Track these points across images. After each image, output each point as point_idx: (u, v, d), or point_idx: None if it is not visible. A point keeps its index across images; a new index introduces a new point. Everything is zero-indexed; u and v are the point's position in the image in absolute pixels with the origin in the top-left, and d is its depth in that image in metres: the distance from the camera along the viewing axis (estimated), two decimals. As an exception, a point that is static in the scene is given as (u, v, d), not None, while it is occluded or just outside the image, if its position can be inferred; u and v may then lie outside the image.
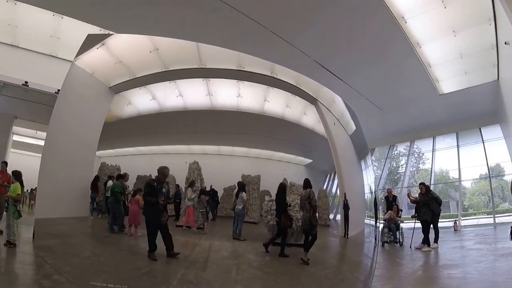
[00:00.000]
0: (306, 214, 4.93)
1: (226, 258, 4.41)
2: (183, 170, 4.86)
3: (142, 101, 5.12)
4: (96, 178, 4.88)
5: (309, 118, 5.45)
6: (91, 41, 4.98)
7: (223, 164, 5.23)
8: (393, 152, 26.56)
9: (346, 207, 5.47)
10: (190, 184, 4.82)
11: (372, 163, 6.96)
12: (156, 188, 4.36)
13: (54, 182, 4.56)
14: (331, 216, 5.67)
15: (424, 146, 24.41)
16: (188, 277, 3.88)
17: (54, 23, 13.26)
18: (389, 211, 13.13)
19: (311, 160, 5.57)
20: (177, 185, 4.92)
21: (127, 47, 5.17)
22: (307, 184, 5.08)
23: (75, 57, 4.81)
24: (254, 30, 9.93)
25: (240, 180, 5.01)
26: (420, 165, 26.00)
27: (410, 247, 11.95)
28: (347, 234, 5.53)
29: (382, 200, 15.05)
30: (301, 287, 4.50)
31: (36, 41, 14.16)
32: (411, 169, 25.83)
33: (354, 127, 6.49)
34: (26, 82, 13.82)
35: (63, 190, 4.60)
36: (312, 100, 5.47)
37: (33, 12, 12.33)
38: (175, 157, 5.10)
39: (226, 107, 5.12)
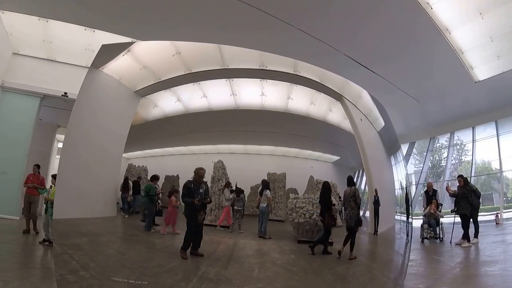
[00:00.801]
0: (351, 211, 4.97)
1: (250, 257, 4.40)
2: (210, 170, 4.90)
3: (167, 103, 5.20)
4: (126, 180, 5.04)
5: (334, 114, 5.36)
6: (107, 51, 5.12)
7: (249, 163, 5.23)
8: (435, 145, 25.32)
9: (376, 203, 5.34)
10: (226, 184, 4.91)
11: (403, 158, 6.74)
12: (193, 189, 4.45)
13: (82, 183, 4.70)
14: (361, 213, 5.54)
15: (464, 136, 23.11)
16: (209, 275, 3.90)
17: (87, 37, 13.95)
18: (429, 206, 12.68)
19: (338, 157, 5.48)
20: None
21: (151, 53, 5.30)
22: (351, 181, 5.12)
23: (90, 66, 4.95)
24: (277, 27, 9.84)
25: (265, 177, 5.00)
26: (463, 157, 24.69)
27: (450, 242, 11.50)
28: (377, 231, 5.40)
29: (422, 195, 14.59)
30: (325, 286, 4.41)
31: (72, 54, 14.90)
32: (454, 162, 24.65)
33: (383, 123, 6.32)
34: (66, 93, 14.71)
35: (91, 191, 4.74)
36: (337, 96, 5.38)
37: (65, 27, 12.95)
38: (202, 157, 5.16)
39: (250, 106, 5.12)
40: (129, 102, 5.11)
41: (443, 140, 24.23)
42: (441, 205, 13.02)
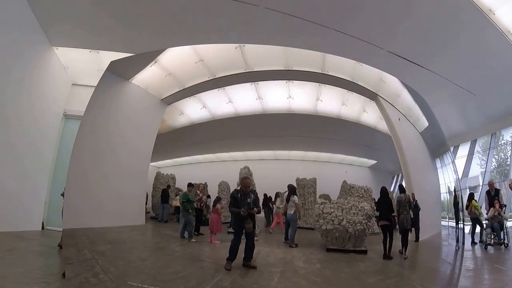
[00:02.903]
0: (406, 215, 4.78)
1: (271, 265, 4.15)
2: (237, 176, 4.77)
3: (193, 110, 5.14)
4: (166, 188, 5.08)
5: (369, 115, 5.02)
6: (115, 66, 5.10)
7: (278, 169, 5.04)
8: (500, 141, 22.87)
9: (415, 208, 4.96)
10: (277, 194, 4.82)
11: (452, 161, 6.18)
12: (239, 199, 4.27)
13: (110, 193, 4.74)
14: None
15: None
16: (224, 283, 3.74)
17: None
18: (491, 208, 11.50)
19: (375, 161, 5.14)
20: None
21: (175, 61, 5.22)
22: (402, 189, 4.95)
23: (98, 82, 4.94)
24: (312, 31, 9.49)
25: (294, 183, 4.77)
26: None
27: None
28: (418, 237, 4.99)
29: (482, 196, 13.38)
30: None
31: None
32: None
33: (426, 123, 5.81)
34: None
35: (119, 200, 4.76)
36: (372, 95, 5.02)
37: (114, 56, 13.43)
38: (230, 164, 5.03)
39: (277, 110, 4.93)
40: (155, 111, 5.09)
41: (507, 135, 21.97)
42: (505, 206, 11.81)
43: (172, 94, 5.05)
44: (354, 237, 4.60)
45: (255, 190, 4.38)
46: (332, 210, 4.61)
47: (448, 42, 11.73)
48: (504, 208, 11.44)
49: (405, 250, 4.73)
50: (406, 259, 4.83)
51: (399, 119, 5.16)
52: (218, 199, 4.80)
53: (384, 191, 4.82)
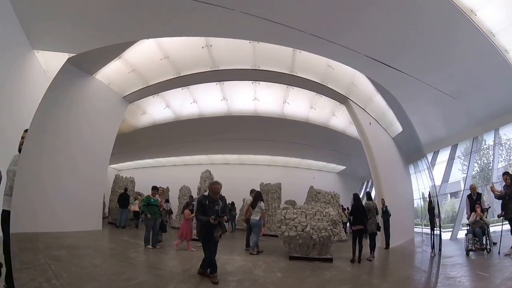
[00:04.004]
0: (374, 220, 4.75)
1: (229, 273, 3.88)
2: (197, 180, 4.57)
3: (156, 109, 4.90)
4: (124, 192, 4.85)
5: (339, 119, 4.85)
6: (72, 63, 4.78)
7: (244, 174, 4.83)
8: (483, 146, 22.86)
9: (385, 214, 4.84)
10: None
11: (428, 167, 6.05)
12: (207, 206, 3.87)
13: (66, 196, 4.45)
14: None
15: (510, 132, 20.78)
16: None
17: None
18: (473, 213, 11.34)
19: (344, 167, 4.96)
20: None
21: (140, 57, 4.95)
22: (369, 196, 4.96)
23: (56, 75, 4.60)
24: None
25: (257, 188, 4.57)
26: None
27: (499, 253, 10.27)
28: (389, 244, 4.86)
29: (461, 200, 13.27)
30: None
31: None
32: (503, 162, 22.16)
33: (400, 129, 5.66)
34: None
35: (75, 204, 4.48)
36: (342, 99, 4.85)
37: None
38: (194, 168, 4.82)
39: (243, 112, 4.72)
40: (116, 108, 4.83)
41: (489, 139, 21.90)
42: (486, 210, 11.64)
43: (135, 92, 4.80)
44: (319, 244, 4.41)
45: (224, 197, 3.96)
46: (295, 216, 4.39)
47: (429, 46, 11.67)
48: (486, 213, 11.31)
49: (373, 252, 4.65)
50: (375, 267, 4.70)
51: (370, 123, 5.01)
52: (187, 204, 4.53)
53: (357, 197, 4.70)
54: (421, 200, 5.95)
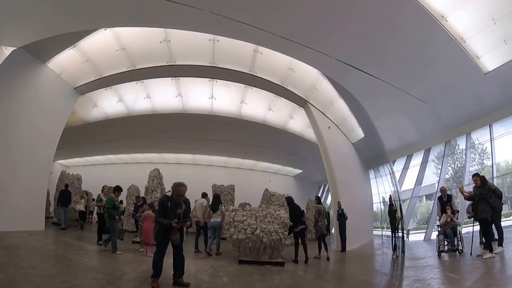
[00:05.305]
0: (324, 222, 4.71)
1: (170, 278, 3.57)
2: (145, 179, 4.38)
3: (108, 103, 4.67)
4: (65, 189, 4.53)
5: (296, 122, 4.79)
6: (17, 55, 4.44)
7: (198, 174, 4.70)
8: (456, 150, 23.43)
9: (341, 217, 4.81)
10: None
11: (390, 172, 6.06)
12: (169, 208, 3.50)
13: (6, 193, 4.14)
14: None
15: (482, 136, 21.34)
16: None
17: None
18: (443, 214, 11.48)
19: (301, 171, 4.90)
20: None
21: (95, 47, 4.65)
22: (319, 200, 4.92)
23: (3, 61, 4.26)
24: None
25: (209, 191, 4.44)
26: (485, 160, 22.70)
27: (471, 254, 10.36)
28: (345, 247, 4.80)
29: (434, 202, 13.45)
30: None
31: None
32: (477, 166, 22.76)
33: (361, 134, 5.63)
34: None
35: (16, 201, 4.18)
36: (301, 102, 4.77)
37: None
38: (146, 167, 4.62)
39: (198, 110, 4.57)
40: (66, 99, 4.55)
41: (462, 143, 22.45)
42: (457, 211, 11.83)
43: (87, 83, 4.56)
44: (270, 248, 4.27)
45: (188, 200, 3.54)
46: (245, 218, 4.23)
47: (401, 52, 11.77)
48: (457, 214, 11.45)
49: (327, 252, 4.62)
50: (330, 270, 4.62)
51: (329, 127, 4.96)
52: (151, 205, 4.20)
53: (290, 201, 4.47)
54: (381, 203, 5.96)
